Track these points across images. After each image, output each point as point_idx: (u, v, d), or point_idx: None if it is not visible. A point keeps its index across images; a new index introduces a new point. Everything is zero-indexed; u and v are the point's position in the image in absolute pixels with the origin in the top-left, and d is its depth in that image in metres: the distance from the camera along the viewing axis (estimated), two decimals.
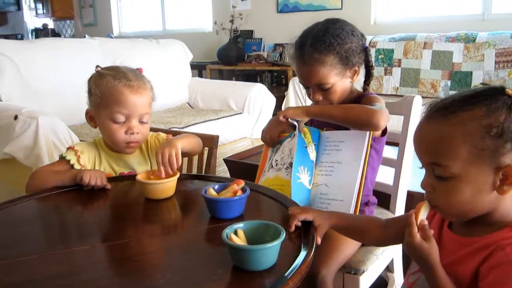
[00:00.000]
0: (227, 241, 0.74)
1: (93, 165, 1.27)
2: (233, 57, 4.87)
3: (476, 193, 0.73)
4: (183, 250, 0.86)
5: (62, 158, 1.25)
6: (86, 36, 5.37)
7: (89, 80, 1.26)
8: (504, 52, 3.48)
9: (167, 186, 1.07)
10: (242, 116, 3.22)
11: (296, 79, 3.80)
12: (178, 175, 1.09)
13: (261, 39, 5.17)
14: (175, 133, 1.53)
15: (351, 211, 1.16)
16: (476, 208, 0.75)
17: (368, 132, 1.19)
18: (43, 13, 7.53)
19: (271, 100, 3.39)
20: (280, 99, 3.81)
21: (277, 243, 0.73)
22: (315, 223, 0.91)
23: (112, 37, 5.97)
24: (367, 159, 1.19)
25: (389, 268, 1.47)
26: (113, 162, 1.29)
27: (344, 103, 1.30)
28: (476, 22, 3.93)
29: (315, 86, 1.26)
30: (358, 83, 1.37)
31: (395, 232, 0.97)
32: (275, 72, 4.98)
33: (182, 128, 2.72)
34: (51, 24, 7.51)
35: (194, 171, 1.57)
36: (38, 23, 7.75)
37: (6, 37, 6.89)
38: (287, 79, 4.48)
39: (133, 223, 1.00)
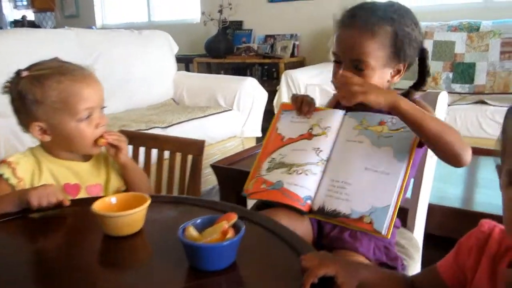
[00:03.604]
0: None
1: (32, 177, 1.06)
2: (221, 50, 4.64)
3: None
4: None
5: None
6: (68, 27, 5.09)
7: (20, 89, 1.04)
8: (510, 41, 3.26)
9: (133, 219, 0.81)
10: (232, 113, 2.97)
11: (289, 72, 3.56)
12: (148, 202, 0.83)
13: (251, 30, 4.93)
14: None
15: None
16: None
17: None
18: (22, 4, 7.21)
19: (263, 95, 3.15)
20: (271, 93, 3.56)
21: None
22: (338, 279, 0.66)
23: (96, 29, 5.68)
24: (411, 158, 0.99)
25: None
26: (57, 170, 1.08)
27: None
28: (478, 10, 3.71)
29: (349, 62, 1.06)
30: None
31: None
32: (266, 65, 4.74)
33: (166, 127, 2.48)
34: (31, 16, 7.19)
35: (176, 182, 1.33)
36: (18, 15, 7.42)
37: None
38: (279, 73, 4.24)
39: (86, 268, 0.75)
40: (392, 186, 0.98)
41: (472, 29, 3.43)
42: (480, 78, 3.39)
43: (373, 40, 1.03)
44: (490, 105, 2.91)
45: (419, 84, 1.14)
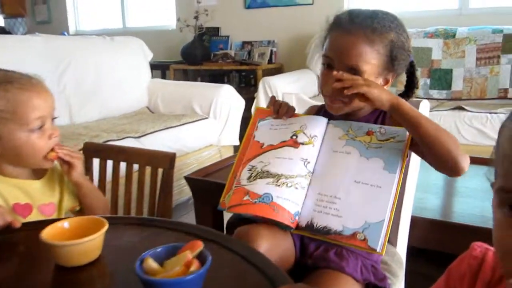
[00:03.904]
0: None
1: None
2: (198, 56, 4.53)
3: None
4: None
5: None
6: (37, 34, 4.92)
7: None
8: (485, 48, 3.28)
9: (89, 247, 0.72)
10: (208, 121, 2.89)
11: (266, 79, 3.49)
12: (106, 227, 0.74)
13: (228, 36, 4.86)
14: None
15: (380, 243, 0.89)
16: None
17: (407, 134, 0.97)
18: None
19: (240, 102, 3.07)
20: (249, 101, 3.50)
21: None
22: None
23: (66, 36, 5.52)
24: (403, 170, 0.95)
25: None
26: (5, 190, 0.98)
27: (362, 113, 1.08)
28: (454, 17, 3.73)
29: (343, 68, 1.00)
30: None
31: None
32: (243, 72, 4.67)
33: (139, 137, 2.38)
34: (1, 22, 6.96)
35: (146, 200, 1.25)
36: None
37: None
38: (257, 79, 4.18)
39: None
40: (385, 200, 0.92)
41: (448, 35, 3.44)
42: (457, 84, 3.40)
43: (372, 48, 0.99)
44: (468, 111, 2.91)
45: (406, 95, 1.13)
